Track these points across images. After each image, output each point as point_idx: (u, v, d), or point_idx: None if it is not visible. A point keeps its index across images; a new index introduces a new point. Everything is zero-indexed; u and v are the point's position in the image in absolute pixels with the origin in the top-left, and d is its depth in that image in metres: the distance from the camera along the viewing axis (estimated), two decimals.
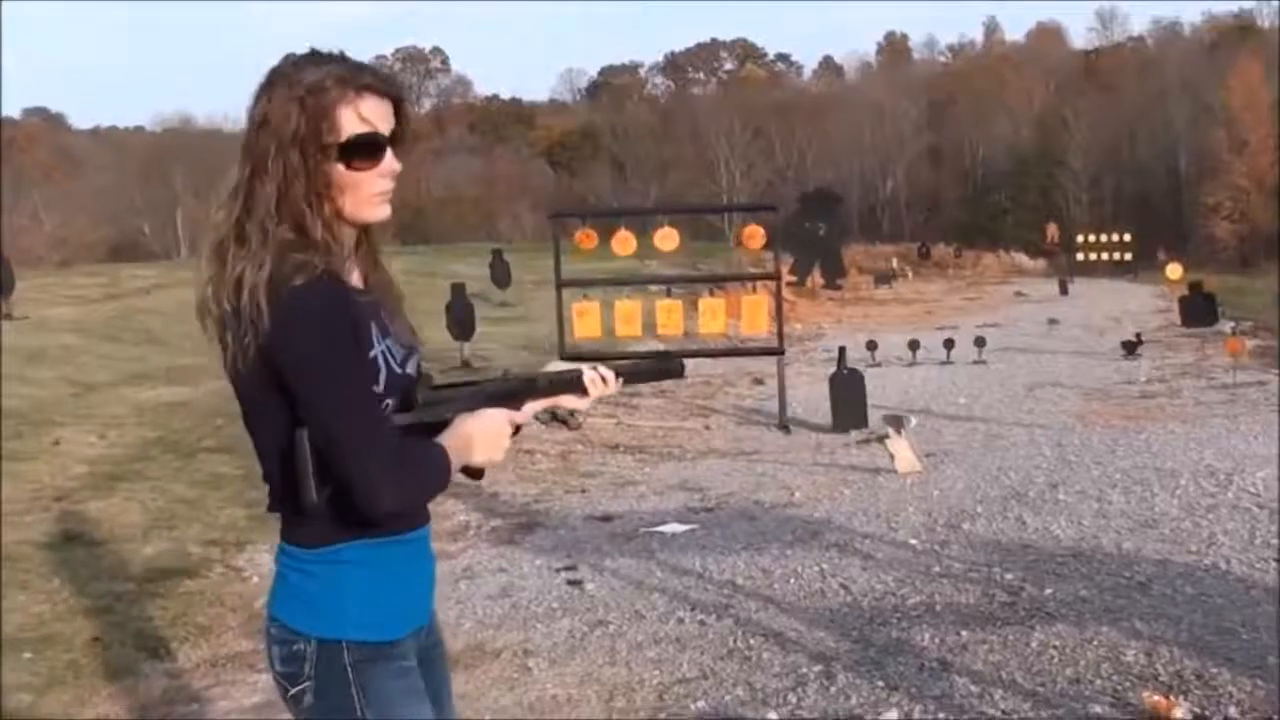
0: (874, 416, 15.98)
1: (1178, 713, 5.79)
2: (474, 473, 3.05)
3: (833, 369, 18.00)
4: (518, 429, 3.03)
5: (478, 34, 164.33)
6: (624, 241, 17.65)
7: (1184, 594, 7.81)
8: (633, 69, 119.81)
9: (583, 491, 12.69)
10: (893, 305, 37.31)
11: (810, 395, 18.41)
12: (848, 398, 16.46)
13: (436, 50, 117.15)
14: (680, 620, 7.99)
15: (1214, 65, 74.35)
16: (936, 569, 8.72)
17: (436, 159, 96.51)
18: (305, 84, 2.77)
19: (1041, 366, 22.14)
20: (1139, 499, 10.22)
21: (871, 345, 23.20)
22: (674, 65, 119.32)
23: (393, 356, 2.88)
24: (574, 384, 3.10)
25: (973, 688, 6.42)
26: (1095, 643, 6.95)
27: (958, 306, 36.40)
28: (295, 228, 2.76)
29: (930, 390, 19.59)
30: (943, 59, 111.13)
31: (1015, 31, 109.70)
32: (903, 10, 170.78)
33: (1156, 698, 5.96)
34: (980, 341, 23.35)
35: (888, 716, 6.11)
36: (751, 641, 7.46)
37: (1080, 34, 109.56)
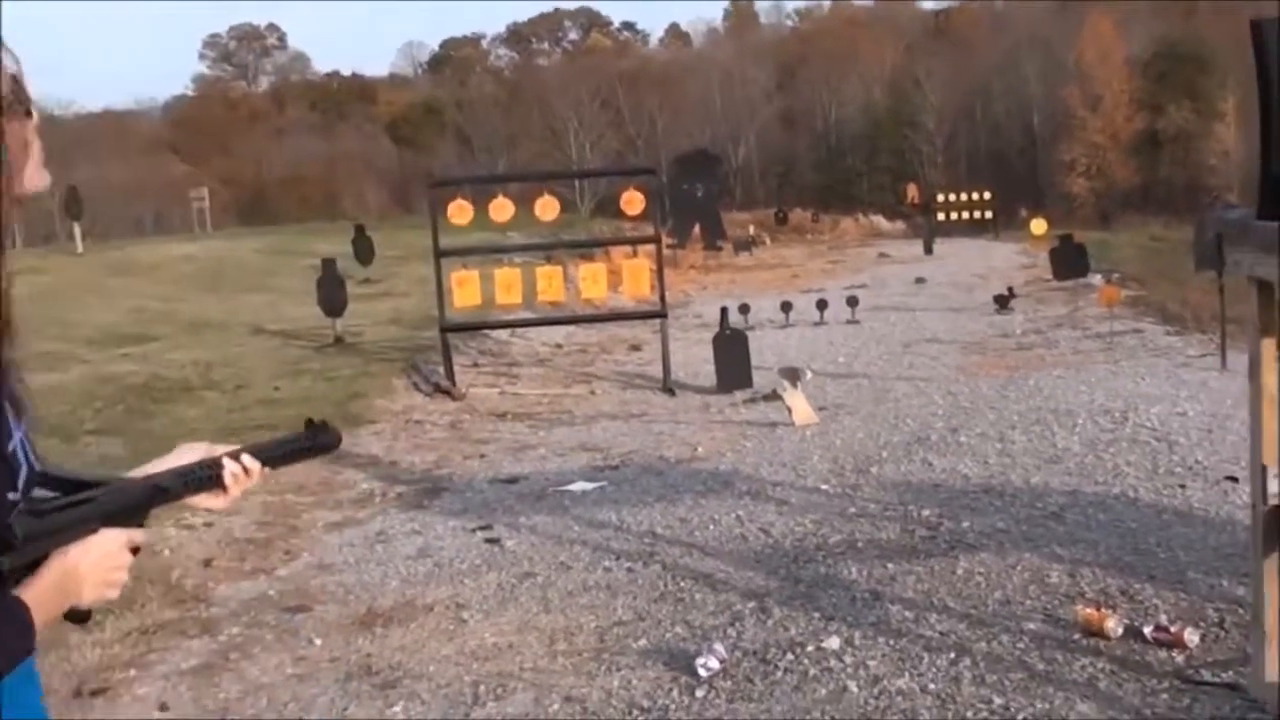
0: (756, 377, 16.18)
1: (1110, 623, 6.06)
2: (80, 615, 2.32)
3: (703, 334, 18.17)
4: (137, 549, 2.38)
5: (315, 9, 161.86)
6: (502, 208, 17.68)
7: (1098, 521, 8.16)
8: (475, 40, 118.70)
9: (481, 456, 12.74)
10: (757, 271, 37.52)
11: (687, 359, 18.57)
12: (731, 359, 16.59)
13: (273, 27, 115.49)
14: (607, 569, 8.16)
15: (1065, 21, 75.19)
16: (852, 510, 9.00)
17: (277, 138, 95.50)
18: None
19: (916, 323, 22.43)
20: (1040, 437, 10.60)
21: (744, 309, 23.38)
22: (517, 36, 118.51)
23: (29, 445, 2.33)
24: (212, 480, 2.54)
25: (907, 613, 6.69)
26: (1019, 568, 7.26)
27: (823, 270, 36.71)
28: None
29: (808, 350, 19.81)
30: (790, 23, 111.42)
31: None
32: None
33: (1089, 611, 6.24)
34: (853, 301, 23.60)
35: (829, 643, 6.33)
36: (682, 584, 7.65)
37: None
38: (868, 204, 68.95)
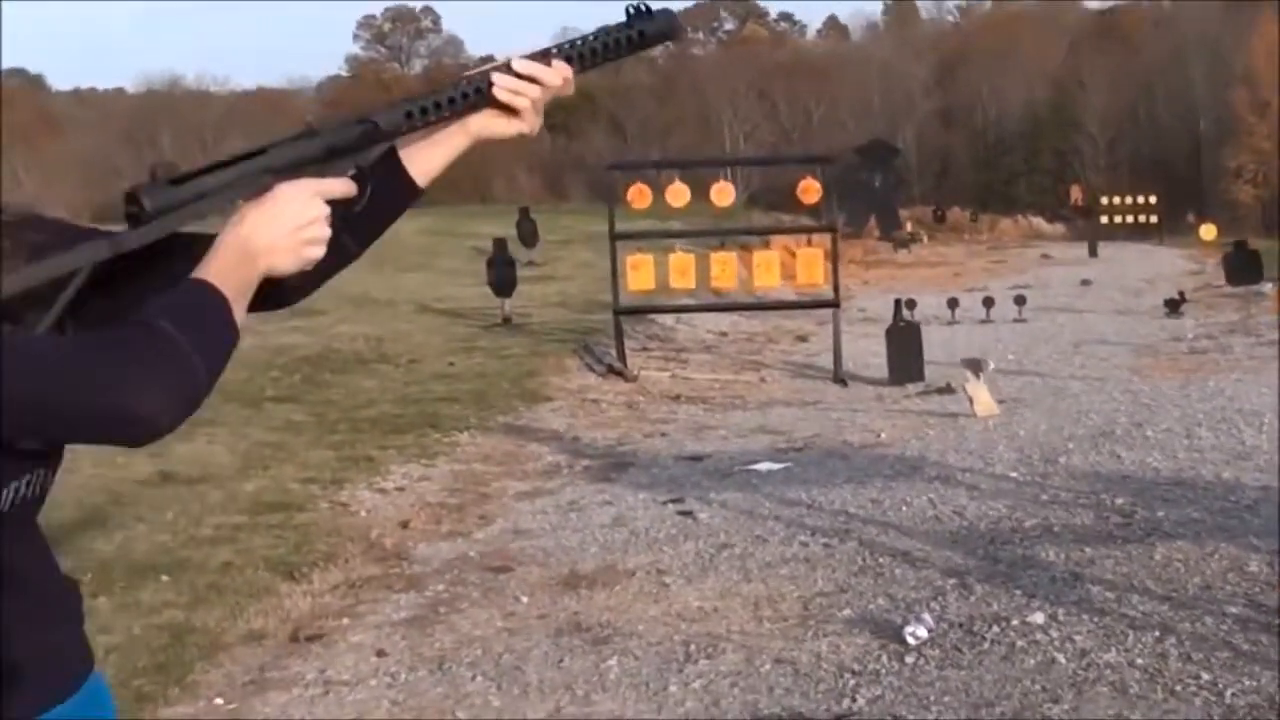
0: (927, 371, 16.27)
1: None
2: (281, 292, 2.00)
3: (868, 328, 18.26)
4: (351, 202, 1.99)
5: None
6: (679, 193, 17.89)
7: None
8: None
9: (662, 435, 13.01)
10: (917, 268, 37.42)
11: (854, 352, 18.66)
12: (904, 351, 16.68)
13: (427, 9, 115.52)
14: (804, 544, 8.40)
15: (1234, 24, 73.28)
16: (1044, 497, 9.19)
17: None
18: None
19: (1084, 325, 22.37)
20: (1227, 435, 10.75)
21: (910, 304, 23.41)
22: None
23: None
24: (469, 100, 2.08)
25: (1108, 594, 6.91)
26: (1217, 556, 7.44)
27: (985, 269, 36.54)
28: None
29: (975, 347, 19.73)
30: (951, 18, 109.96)
31: None
32: None
33: None
34: (1020, 300, 23.56)
35: (1034, 618, 6.54)
36: (881, 560, 7.89)
37: None
38: (1027, 205, 68.09)
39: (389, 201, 2.13)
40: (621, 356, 17.28)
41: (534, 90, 2.11)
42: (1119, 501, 8.88)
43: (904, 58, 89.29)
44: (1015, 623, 6.54)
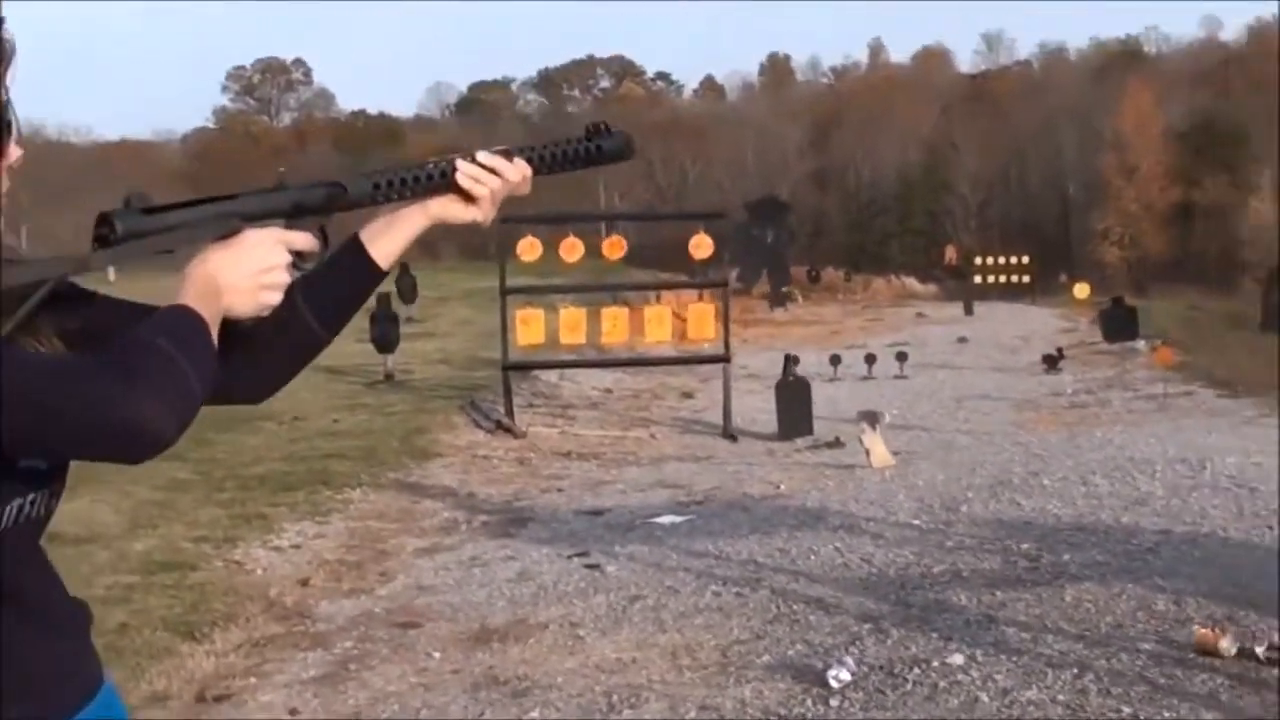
0: (818, 425, 16.42)
1: (1224, 643, 6.43)
2: (238, 333, 2.01)
3: (751, 384, 18.41)
4: (301, 254, 2.06)
5: (341, 45, 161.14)
6: (572, 248, 17.92)
7: (1192, 557, 8.55)
8: (504, 85, 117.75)
9: (559, 490, 13.02)
10: (794, 326, 37.68)
11: (739, 408, 18.76)
12: (793, 406, 16.84)
13: (299, 61, 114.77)
14: (716, 593, 8.44)
15: (1102, 91, 75.08)
16: (950, 544, 9.34)
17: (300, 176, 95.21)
18: None
19: (964, 381, 22.70)
20: (1122, 482, 11.01)
21: (795, 360, 23.56)
22: (548, 81, 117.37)
23: None
24: (434, 181, 2.20)
25: (1024, 635, 7.05)
26: (1124, 596, 7.65)
27: (861, 327, 36.88)
28: None
29: (859, 403, 19.95)
30: (826, 80, 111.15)
31: (900, 53, 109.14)
32: (785, 30, 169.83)
33: (1204, 630, 6.58)
34: (902, 356, 23.85)
35: (953, 660, 6.64)
36: (795, 607, 7.96)
37: (966, 58, 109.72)
38: (900, 265, 68.81)
39: (355, 284, 2.23)
40: (510, 413, 17.25)
41: (494, 181, 2.27)
42: (1024, 546, 9.06)
43: (779, 119, 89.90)
44: (935, 664, 6.64)
